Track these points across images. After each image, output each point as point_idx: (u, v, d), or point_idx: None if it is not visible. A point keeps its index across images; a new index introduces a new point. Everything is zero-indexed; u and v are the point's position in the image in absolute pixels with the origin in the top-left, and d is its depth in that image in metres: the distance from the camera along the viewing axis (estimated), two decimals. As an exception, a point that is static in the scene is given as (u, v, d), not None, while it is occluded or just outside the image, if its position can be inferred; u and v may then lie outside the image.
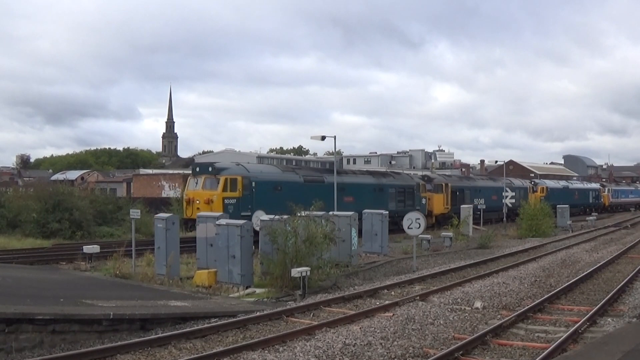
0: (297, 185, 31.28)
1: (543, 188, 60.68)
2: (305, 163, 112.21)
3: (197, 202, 27.50)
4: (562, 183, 69.77)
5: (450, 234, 31.59)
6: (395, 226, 30.81)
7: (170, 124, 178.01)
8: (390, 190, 38.02)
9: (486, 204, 46.34)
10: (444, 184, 44.12)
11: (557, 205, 48.01)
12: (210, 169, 28.84)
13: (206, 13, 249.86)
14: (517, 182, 57.65)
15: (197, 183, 28.63)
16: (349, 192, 33.97)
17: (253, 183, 28.76)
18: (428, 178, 44.41)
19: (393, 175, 41.56)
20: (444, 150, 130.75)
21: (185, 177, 57.47)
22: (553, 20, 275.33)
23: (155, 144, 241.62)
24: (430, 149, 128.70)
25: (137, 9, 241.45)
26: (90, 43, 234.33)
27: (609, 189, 79.65)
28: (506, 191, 48.77)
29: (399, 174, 44.53)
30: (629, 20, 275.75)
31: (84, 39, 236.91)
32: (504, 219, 45.72)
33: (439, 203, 42.44)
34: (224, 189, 27.63)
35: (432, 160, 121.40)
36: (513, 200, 48.51)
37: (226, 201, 27.32)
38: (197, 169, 29.55)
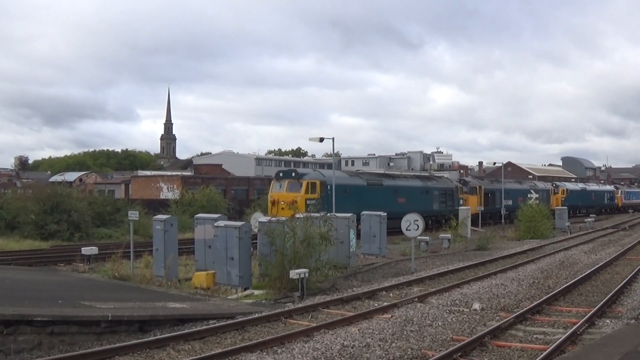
0: (362, 188, 35.63)
1: (564, 190, 64.46)
2: (304, 165, 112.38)
3: (282, 203, 30.65)
4: (580, 185, 74.06)
5: (448, 235, 31.62)
6: (438, 224, 36.00)
7: (168, 125, 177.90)
8: (434, 192, 42.12)
9: (513, 204, 50.04)
10: (477, 187, 48.62)
11: (556, 208, 48.24)
12: (293, 174, 32.96)
13: (204, 14, 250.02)
14: (541, 184, 62.48)
15: (280, 186, 32.52)
16: (401, 193, 38.24)
17: (328, 186, 32.29)
18: (464, 182, 48.86)
19: (436, 179, 45.82)
20: (442, 152, 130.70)
21: (183, 179, 57.71)
22: (552, 21, 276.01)
23: (153, 146, 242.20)
24: (428, 151, 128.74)
25: (135, 10, 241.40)
26: (88, 44, 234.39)
27: (621, 191, 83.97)
28: (531, 193, 54.35)
29: (440, 177, 48.96)
30: (628, 22, 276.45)
31: (82, 41, 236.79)
32: (502, 220, 45.84)
33: (473, 203, 45.74)
34: (306, 192, 31.74)
35: (431, 162, 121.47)
36: (537, 202, 50.47)
37: (308, 202, 30.15)
38: (281, 174, 33.42)
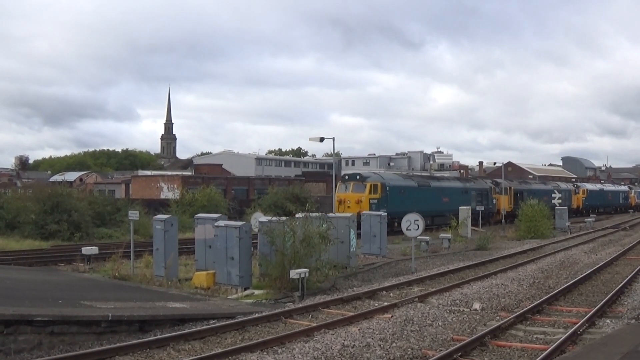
0: (413, 188, 40.44)
1: (584, 190, 68.88)
2: (304, 165, 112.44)
3: (348, 202, 35.81)
4: (599, 186, 79.29)
5: (448, 235, 31.62)
6: (474, 221, 39.55)
7: (169, 125, 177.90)
8: (472, 193, 46.84)
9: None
10: (508, 187, 53.05)
11: (556, 207, 48.48)
12: (357, 177, 37.84)
13: (204, 14, 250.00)
14: (563, 185, 66.98)
15: (346, 188, 37.15)
16: (445, 193, 42.87)
17: (387, 188, 37.38)
18: (497, 183, 52.69)
19: (473, 181, 50.57)
20: (442, 152, 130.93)
21: (184, 179, 57.74)
22: (553, 21, 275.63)
23: (153, 145, 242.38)
24: (428, 151, 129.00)
25: (135, 9, 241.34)
26: (88, 44, 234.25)
27: (634, 191, 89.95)
28: (554, 193, 58.87)
29: (476, 179, 53.92)
30: (629, 22, 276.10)
31: (82, 40, 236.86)
32: (502, 220, 45.91)
33: (505, 202, 50.15)
34: (369, 192, 36.24)
35: (431, 162, 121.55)
36: (560, 201, 57.16)
37: (371, 201, 35.60)
38: (347, 177, 38.56)
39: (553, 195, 57.94)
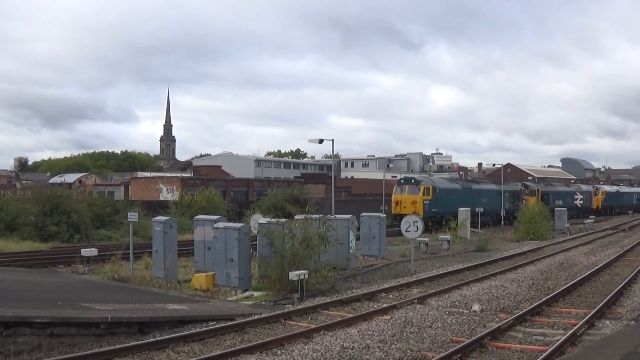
0: (458, 191, 46.33)
1: (603, 192, 74.85)
2: (303, 166, 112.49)
3: (404, 203, 41.39)
4: (615, 188, 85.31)
5: (447, 236, 31.62)
6: (508, 221, 45.08)
7: (168, 127, 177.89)
8: (506, 194, 50.52)
9: (564, 204, 59.06)
10: (536, 189, 59.05)
11: (556, 208, 48.76)
12: (412, 181, 43.57)
13: (203, 15, 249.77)
14: (584, 187, 73.23)
15: (402, 190, 42.58)
16: (484, 195, 49.02)
17: (437, 190, 42.88)
18: (526, 185, 59.20)
19: (506, 184, 53.96)
20: (441, 154, 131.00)
21: (183, 180, 57.73)
22: (552, 21, 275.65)
23: (153, 147, 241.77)
24: (428, 152, 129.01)
25: (133, 10, 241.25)
26: (86, 45, 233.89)
27: None
28: (576, 194, 64.79)
29: (508, 182, 57.44)
30: (629, 22, 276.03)
31: (80, 41, 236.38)
32: (502, 221, 45.93)
33: (533, 203, 51.34)
34: (423, 194, 41.62)
35: (430, 164, 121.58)
36: (582, 202, 64.45)
37: (424, 202, 41.26)
38: (402, 181, 43.91)
39: (575, 196, 64.29)
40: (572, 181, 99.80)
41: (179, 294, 17.24)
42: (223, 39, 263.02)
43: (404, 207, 40.38)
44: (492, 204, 46.50)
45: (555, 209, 48.53)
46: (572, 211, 60.21)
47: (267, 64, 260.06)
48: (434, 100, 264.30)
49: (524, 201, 53.01)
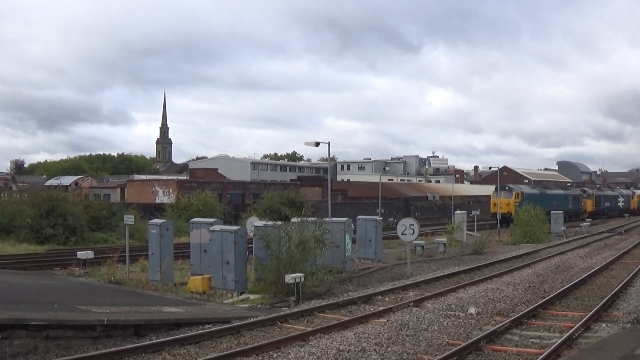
0: (537, 195, 57.00)
1: (638, 195, 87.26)
2: (299, 169, 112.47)
3: (501, 204, 50.92)
4: None
5: (443, 239, 31.64)
6: (569, 218, 56.63)
7: (164, 129, 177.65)
8: (569, 198, 64.03)
9: (610, 205, 75.78)
10: (592, 194, 71.56)
11: (552, 211, 48.80)
12: (506, 187, 56.02)
13: (198, 16, 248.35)
14: (625, 191, 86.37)
15: (498, 195, 52.92)
16: (554, 199, 59.11)
17: (524, 195, 54.42)
18: (584, 190, 71.42)
19: (570, 189, 66.48)
20: (438, 156, 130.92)
21: (179, 183, 57.59)
22: (550, 23, 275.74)
23: (149, 149, 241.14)
24: (424, 155, 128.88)
25: (128, 12, 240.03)
26: (81, 46, 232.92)
27: None
28: (620, 197, 78.43)
29: (570, 187, 70.94)
30: (627, 24, 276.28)
31: (75, 43, 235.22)
32: (498, 224, 46.04)
33: (589, 205, 69.10)
34: (514, 198, 53.52)
35: (426, 167, 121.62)
36: (623, 203, 78.82)
37: (515, 203, 51.65)
38: (499, 188, 54.22)
39: (619, 199, 78.49)
40: (569, 184, 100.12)
41: (175, 297, 17.23)
42: (219, 40, 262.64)
43: (501, 207, 50.47)
44: (561, 206, 55.85)
45: (552, 212, 48.55)
46: (615, 212, 76.38)
47: (263, 66, 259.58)
48: (430, 102, 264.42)
49: (583, 203, 66.44)
